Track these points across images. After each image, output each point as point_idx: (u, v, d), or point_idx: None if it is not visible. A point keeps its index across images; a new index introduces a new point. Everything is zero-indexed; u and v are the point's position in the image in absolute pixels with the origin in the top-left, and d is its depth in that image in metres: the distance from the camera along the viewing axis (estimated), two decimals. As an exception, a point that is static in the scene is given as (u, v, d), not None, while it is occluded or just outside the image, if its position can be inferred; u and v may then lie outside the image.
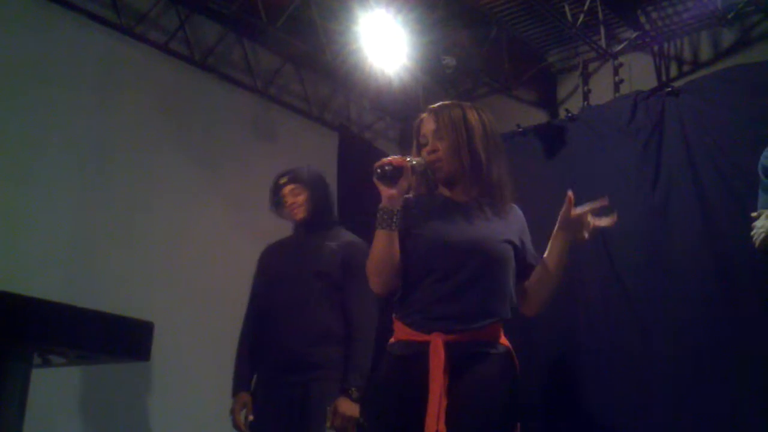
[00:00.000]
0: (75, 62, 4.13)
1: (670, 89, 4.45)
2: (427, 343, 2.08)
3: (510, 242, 2.21)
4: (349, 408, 2.95)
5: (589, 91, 5.11)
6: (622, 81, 4.97)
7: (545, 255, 2.25)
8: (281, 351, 3.09)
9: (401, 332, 2.18)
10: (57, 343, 1.80)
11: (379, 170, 2.10)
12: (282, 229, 3.43)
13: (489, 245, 2.16)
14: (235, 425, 3.13)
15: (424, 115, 2.30)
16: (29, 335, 1.74)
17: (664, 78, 4.80)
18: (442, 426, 1.98)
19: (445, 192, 2.28)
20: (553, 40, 5.13)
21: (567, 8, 4.61)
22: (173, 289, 4.25)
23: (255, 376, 3.19)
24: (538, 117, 5.23)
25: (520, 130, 4.96)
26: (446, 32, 4.76)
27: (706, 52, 4.70)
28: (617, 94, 4.89)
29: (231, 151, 4.81)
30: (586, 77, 5.13)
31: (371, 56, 4.50)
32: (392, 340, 2.21)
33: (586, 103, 5.04)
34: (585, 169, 4.48)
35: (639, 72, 4.91)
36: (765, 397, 3.63)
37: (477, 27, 4.90)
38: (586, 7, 4.59)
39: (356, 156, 5.25)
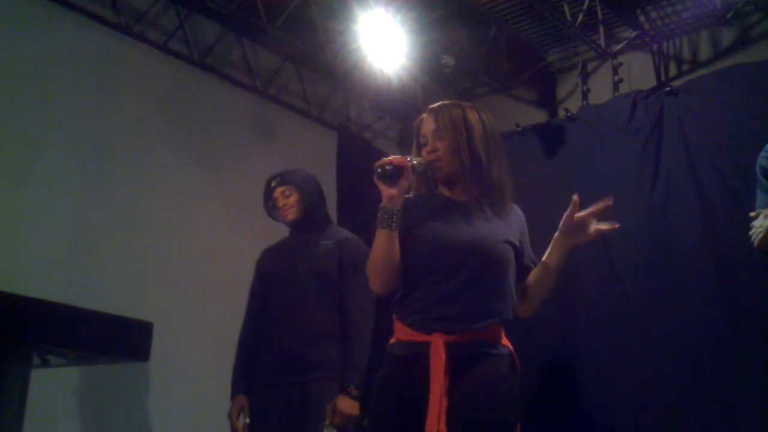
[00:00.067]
0: (74, 62, 4.12)
1: (669, 89, 4.45)
2: (427, 344, 2.08)
3: (510, 242, 2.21)
4: (348, 406, 2.96)
5: (589, 90, 5.11)
6: (621, 80, 4.97)
7: (545, 257, 2.25)
8: (280, 351, 3.10)
9: (401, 333, 2.18)
10: (56, 343, 1.79)
11: (379, 170, 2.10)
12: (281, 229, 3.43)
13: (489, 245, 2.16)
14: (233, 429, 3.14)
15: (424, 115, 2.30)
16: (28, 335, 1.73)
17: (663, 77, 4.80)
18: (442, 426, 1.98)
19: (445, 192, 2.28)
20: (552, 40, 5.13)
21: (566, 7, 4.61)
22: (173, 289, 4.24)
23: (254, 377, 3.19)
24: (538, 116, 5.23)
25: (519, 129, 4.96)
26: (445, 32, 4.76)
27: (705, 52, 4.70)
28: (616, 94, 4.89)
29: (230, 151, 4.80)
30: (585, 77, 5.13)
31: (370, 56, 4.50)
32: (392, 340, 2.21)
33: (585, 102, 5.04)
34: (584, 168, 4.48)
35: (638, 71, 4.91)
36: (765, 397, 3.63)
37: (476, 26, 4.90)
38: (585, 7, 4.59)
39: (356, 155, 5.25)
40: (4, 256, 3.57)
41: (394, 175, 2.10)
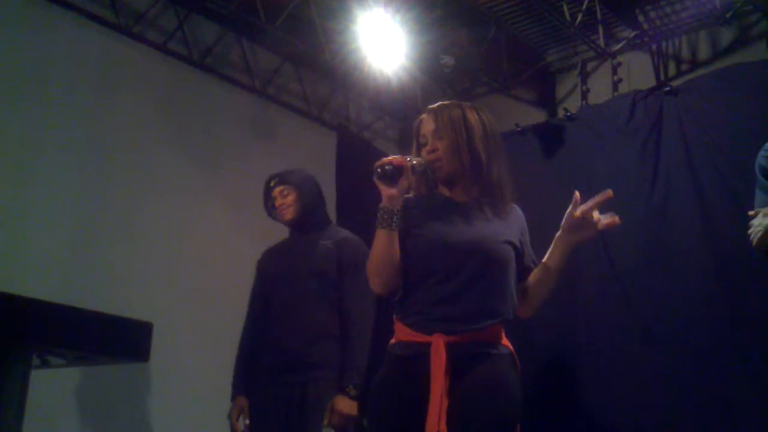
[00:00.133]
0: (74, 62, 4.12)
1: (668, 88, 4.45)
2: (428, 344, 2.08)
3: (510, 243, 2.21)
4: (347, 406, 2.95)
5: (588, 90, 5.11)
6: (620, 80, 4.97)
7: (546, 258, 2.24)
8: (279, 351, 3.10)
9: (402, 333, 2.18)
10: (56, 344, 1.79)
11: (379, 170, 2.10)
12: (281, 229, 3.43)
13: (489, 246, 2.16)
14: (233, 430, 3.14)
15: (424, 115, 2.30)
16: (28, 336, 1.73)
17: (662, 77, 4.80)
18: (443, 426, 1.98)
19: (445, 192, 2.28)
20: (551, 40, 5.13)
21: (565, 7, 4.61)
22: (173, 290, 4.25)
23: (254, 378, 3.19)
24: (537, 116, 5.23)
25: (519, 129, 4.96)
26: (445, 32, 4.76)
27: (704, 52, 4.70)
28: (616, 94, 4.89)
29: (230, 151, 4.81)
30: (584, 76, 5.14)
31: (370, 56, 4.50)
32: (393, 340, 2.21)
33: (584, 102, 5.04)
34: (584, 168, 4.48)
35: (637, 71, 4.91)
36: (765, 397, 3.63)
37: (475, 26, 4.90)
38: (584, 7, 4.59)
39: (355, 155, 5.25)
40: (4, 256, 3.57)
41: (394, 175, 2.10)
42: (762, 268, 3.17)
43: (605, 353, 4.19)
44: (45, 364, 1.92)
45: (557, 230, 2.23)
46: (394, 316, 2.22)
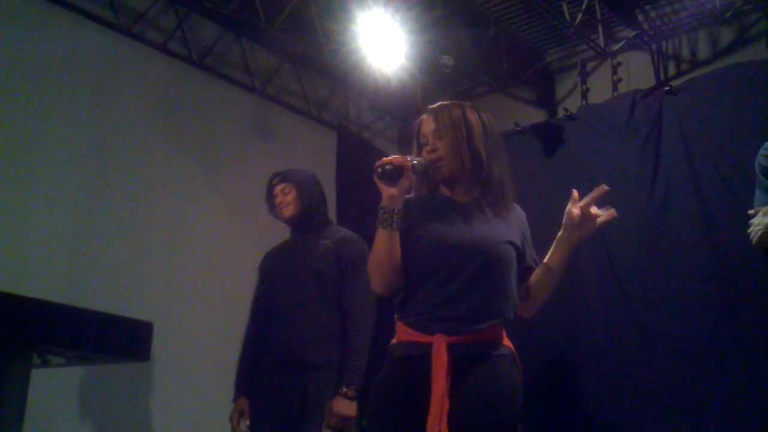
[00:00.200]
0: (73, 62, 4.12)
1: (668, 88, 4.45)
2: (429, 345, 2.07)
3: (511, 243, 2.20)
4: (345, 407, 2.94)
5: (588, 89, 5.11)
6: (620, 80, 4.97)
7: (547, 257, 2.24)
8: (280, 352, 3.09)
9: (403, 333, 2.17)
10: (56, 343, 1.79)
11: (379, 169, 2.10)
12: (281, 229, 3.43)
13: (490, 246, 2.16)
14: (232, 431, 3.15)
15: (424, 115, 2.30)
16: (28, 335, 1.73)
17: (662, 77, 4.80)
18: (444, 427, 1.98)
19: (446, 192, 2.27)
20: (551, 39, 5.13)
21: (565, 7, 4.61)
22: (173, 289, 4.25)
23: (255, 379, 3.18)
24: (537, 116, 5.23)
25: (519, 129, 4.96)
26: (444, 31, 4.76)
27: (704, 51, 4.71)
28: (616, 93, 4.89)
29: (230, 151, 4.81)
30: (584, 76, 5.14)
31: (370, 55, 4.50)
32: (394, 341, 2.20)
33: (584, 101, 5.04)
34: (583, 168, 4.48)
35: (637, 71, 4.91)
36: (765, 396, 3.63)
37: (475, 26, 4.90)
38: (584, 6, 4.60)
39: (355, 155, 5.26)
40: (4, 256, 3.57)
41: (395, 174, 2.10)
42: (762, 267, 3.18)
43: (605, 353, 4.19)
44: (45, 363, 1.92)
45: (558, 229, 2.22)
46: (395, 316, 2.22)
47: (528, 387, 2.18)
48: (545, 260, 2.24)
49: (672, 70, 4.82)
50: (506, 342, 2.18)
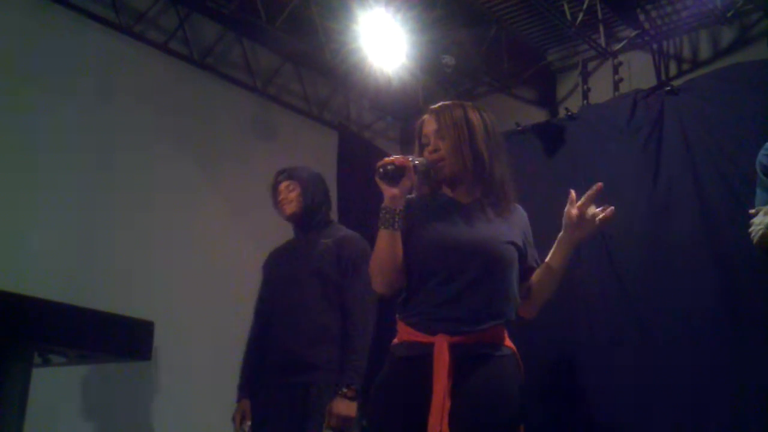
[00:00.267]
0: (74, 61, 4.13)
1: (669, 88, 4.45)
2: (431, 345, 2.07)
3: (513, 243, 2.20)
4: (345, 408, 2.94)
5: (589, 89, 5.11)
6: (621, 80, 4.97)
7: (549, 257, 2.24)
8: (281, 353, 3.09)
9: (405, 333, 2.17)
10: (57, 342, 1.79)
11: (381, 169, 2.10)
12: (282, 228, 3.43)
13: (492, 246, 2.15)
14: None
15: (426, 115, 2.30)
16: (29, 334, 1.73)
17: (663, 76, 4.80)
18: (445, 427, 1.97)
19: (448, 192, 2.27)
20: (552, 39, 5.13)
21: (566, 7, 4.61)
22: (173, 288, 4.25)
23: (257, 379, 3.18)
24: (538, 116, 5.23)
25: (520, 128, 4.96)
26: (446, 31, 4.76)
27: (705, 51, 4.71)
28: (617, 93, 4.89)
29: (230, 151, 4.81)
30: (585, 76, 5.14)
31: (371, 55, 4.50)
32: (395, 341, 2.20)
33: (585, 101, 5.04)
34: (585, 167, 4.48)
35: (638, 70, 4.91)
36: (765, 396, 3.63)
37: (476, 26, 4.90)
38: (585, 6, 4.60)
39: (356, 155, 5.26)
40: (5, 255, 3.57)
41: (396, 174, 2.09)
42: (762, 267, 3.17)
43: (605, 352, 4.19)
44: (46, 362, 1.92)
45: (558, 229, 2.23)
46: (397, 317, 2.22)
47: (529, 387, 2.18)
48: (546, 260, 2.24)
49: (673, 70, 4.82)
50: (508, 342, 2.18)
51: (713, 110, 4.17)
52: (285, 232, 3.40)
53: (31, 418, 1.83)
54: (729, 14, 4.44)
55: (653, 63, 4.86)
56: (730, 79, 4.18)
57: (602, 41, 4.90)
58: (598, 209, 2.18)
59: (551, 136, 4.83)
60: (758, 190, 2.68)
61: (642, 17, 4.80)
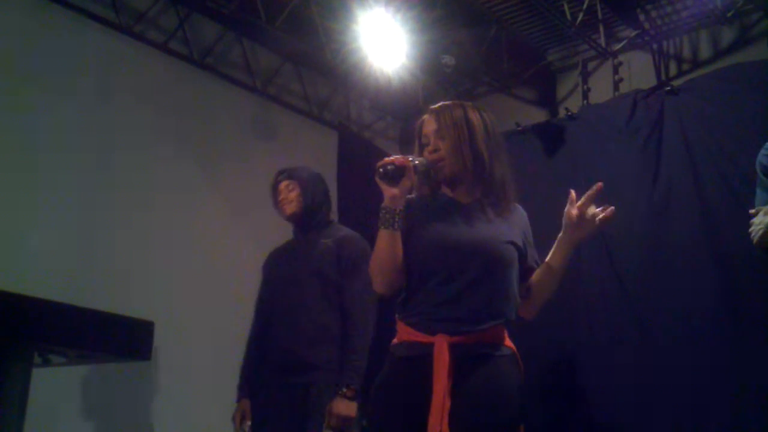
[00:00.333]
0: (74, 61, 4.12)
1: (669, 88, 4.45)
2: (431, 345, 2.07)
3: (513, 243, 2.20)
4: (344, 408, 2.93)
5: (589, 89, 5.11)
6: (621, 80, 4.97)
7: (549, 257, 2.24)
8: (281, 353, 3.09)
9: (404, 333, 2.17)
10: (57, 342, 1.79)
11: (381, 170, 2.10)
12: (282, 228, 3.43)
13: (492, 246, 2.15)
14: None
15: (426, 115, 2.30)
16: (29, 334, 1.73)
17: (663, 76, 4.80)
18: (445, 427, 1.97)
19: (448, 192, 2.27)
20: (552, 39, 5.13)
21: (566, 7, 4.61)
22: (173, 288, 4.25)
23: (257, 380, 3.18)
24: (538, 116, 5.23)
25: (520, 128, 4.96)
26: (445, 31, 4.76)
27: (705, 51, 4.71)
28: (617, 93, 4.89)
29: (230, 151, 4.81)
30: (585, 76, 5.14)
31: (371, 55, 4.50)
32: (395, 341, 2.20)
33: (585, 101, 5.04)
34: (585, 167, 4.48)
35: (638, 70, 4.91)
36: (765, 396, 3.63)
37: (476, 26, 4.90)
38: (585, 6, 4.60)
39: (356, 155, 5.26)
40: (4, 255, 3.57)
41: (396, 175, 2.09)
42: (763, 267, 3.17)
43: (605, 352, 4.19)
44: (46, 362, 1.92)
45: (558, 229, 2.22)
46: (397, 317, 2.21)
47: (529, 387, 2.18)
48: (546, 260, 2.24)
49: (673, 70, 4.82)
50: (508, 342, 2.17)
51: (713, 110, 4.17)
52: (285, 232, 3.40)
53: (31, 418, 1.83)
54: (729, 14, 4.44)
55: (653, 63, 4.86)
56: (730, 80, 4.18)
57: (602, 41, 4.90)
58: (598, 209, 2.18)
59: (551, 136, 4.83)
60: (758, 190, 2.68)
61: (642, 17, 4.80)
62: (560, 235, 2.21)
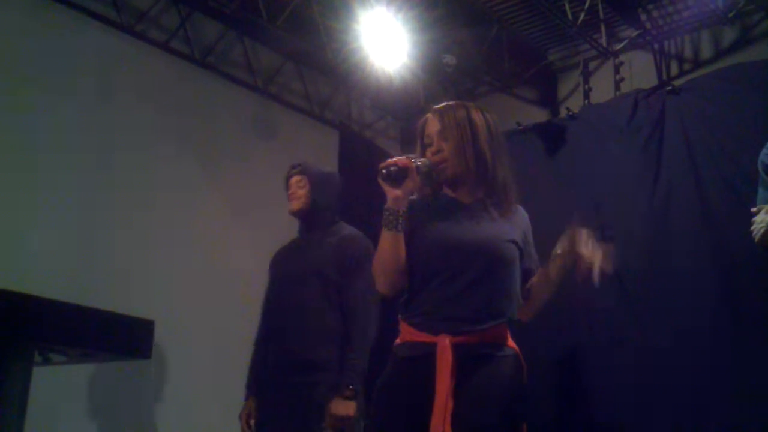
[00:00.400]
0: (75, 60, 4.13)
1: (670, 87, 4.45)
2: (434, 345, 2.07)
3: (515, 243, 2.20)
4: (342, 408, 2.92)
5: (590, 89, 5.11)
6: (622, 79, 4.97)
7: (547, 267, 2.23)
8: (286, 353, 3.08)
9: (407, 333, 2.17)
10: (57, 341, 1.80)
11: (384, 171, 2.10)
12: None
13: (494, 245, 2.15)
14: (242, 430, 3.15)
15: (429, 115, 2.29)
16: (30, 333, 1.74)
17: (664, 76, 4.80)
18: (447, 427, 1.97)
19: (450, 193, 2.27)
20: (553, 39, 5.13)
21: (567, 6, 4.61)
22: (174, 287, 4.25)
23: (263, 379, 3.18)
24: (539, 115, 5.23)
25: (521, 128, 4.95)
26: (447, 31, 4.76)
27: (706, 51, 4.71)
28: (618, 93, 4.89)
29: (231, 150, 4.81)
30: (586, 76, 5.13)
31: (372, 54, 4.50)
32: (398, 341, 2.20)
33: (586, 101, 5.04)
34: (585, 167, 4.48)
35: (640, 70, 4.91)
36: (765, 396, 3.63)
37: (477, 25, 4.91)
38: (586, 6, 4.59)
39: (357, 154, 5.26)
40: (5, 255, 3.57)
41: (399, 176, 2.09)
42: (764, 266, 3.17)
43: (605, 353, 4.19)
44: (47, 361, 1.92)
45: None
46: (399, 317, 2.21)
47: (529, 387, 2.18)
48: (544, 268, 2.23)
49: (674, 69, 4.82)
50: (511, 343, 2.17)
51: (714, 110, 4.16)
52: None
53: (31, 417, 1.83)
54: (730, 14, 4.44)
55: (654, 63, 4.86)
56: (731, 79, 4.17)
57: (603, 41, 4.90)
58: (595, 247, 2.13)
59: (552, 135, 4.82)
60: (760, 189, 2.68)
61: (643, 17, 4.80)
62: (557, 252, 2.18)
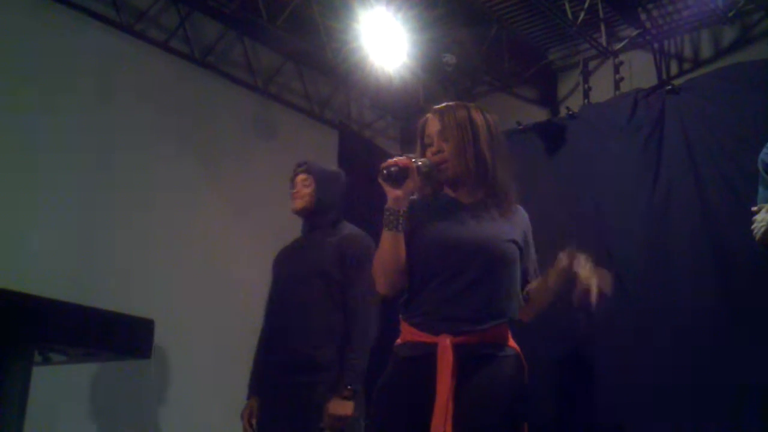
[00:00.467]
0: (75, 60, 4.12)
1: (670, 87, 4.45)
2: (434, 345, 2.07)
3: (515, 242, 2.20)
4: (340, 407, 2.92)
5: (590, 88, 5.10)
6: (622, 79, 4.97)
7: (545, 277, 2.23)
8: (286, 352, 3.08)
9: (408, 333, 2.17)
10: (57, 340, 1.79)
11: (384, 171, 2.10)
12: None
13: (495, 245, 2.15)
14: (244, 429, 3.15)
15: (429, 115, 2.29)
16: (30, 333, 1.73)
17: (664, 76, 4.80)
18: (448, 427, 1.97)
19: (450, 193, 2.27)
20: (553, 38, 5.13)
21: (567, 6, 4.60)
22: (174, 287, 4.25)
23: (264, 378, 3.18)
24: (539, 115, 5.23)
25: (521, 127, 4.95)
26: (446, 30, 4.76)
27: (706, 50, 4.70)
28: (618, 92, 4.89)
29: (231, 149, 4.81)
30: (586, 75, 5.13)
31: (372, 54, 4.50)
32: (399, 341, 2.20)
33: (586, 100, 5.04)
34: (585, 167, 4.48)
35: (639, 70, 4.91)
36: (765, 396, 3.63)
37: (477, 25, 4.90)
38: (586, 5, 4.59)
39: (357, 154, 5.26)
40: (5, 255, 3.57)
41: (400, 176, 2.09)
42: (764, 265, 3.17)
43: (605, 353, 4.19)
44: (47, 360, 1.92)
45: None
46: (400, 317, 2.21)
47: (530, 387, 2.18)
48: (543, 276, 2.24)
49: (674, 69, 4.81)
50: (512, 343, 2.18)
51: (714, 110, 4.16)
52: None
53: (31, 417, 1.83)
54: (730, 14, 4.44)
55: (654, 62, 4.86)
56: (731, 79, 4.17)
57: (603, 40, 4.90)
58: (593, 273, 2.14)
59: (552, 135, 4.82)
60: (760, 188, 2.68)
61: (643, 16, 4.80)
62: (557, 267, 2.18)
